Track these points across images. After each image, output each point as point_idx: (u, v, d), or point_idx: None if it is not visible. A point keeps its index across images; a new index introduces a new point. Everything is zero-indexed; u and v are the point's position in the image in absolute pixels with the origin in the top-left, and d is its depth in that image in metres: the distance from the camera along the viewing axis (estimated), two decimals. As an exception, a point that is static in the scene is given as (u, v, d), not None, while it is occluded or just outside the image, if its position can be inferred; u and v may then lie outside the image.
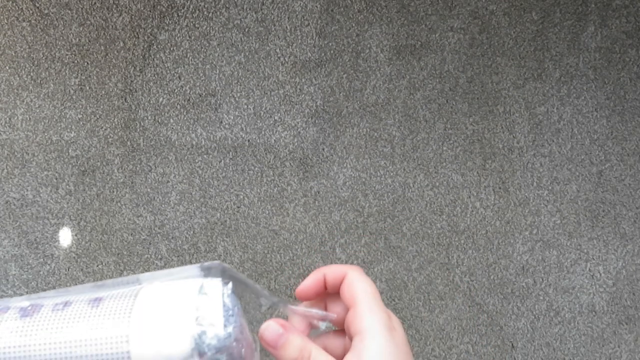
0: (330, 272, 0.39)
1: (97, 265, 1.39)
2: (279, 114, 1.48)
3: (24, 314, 0.32)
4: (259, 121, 1.48)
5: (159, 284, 0.32)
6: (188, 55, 1.49)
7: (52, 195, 1.42)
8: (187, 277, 0.33)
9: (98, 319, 0.30)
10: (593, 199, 1.49)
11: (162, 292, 0.31)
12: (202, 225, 1.42)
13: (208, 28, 1.50)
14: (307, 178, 1.46)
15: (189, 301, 0.29)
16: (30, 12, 1.48)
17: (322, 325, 0.38)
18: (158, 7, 1.51)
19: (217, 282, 0.31)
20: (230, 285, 0.32)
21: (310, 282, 0.40)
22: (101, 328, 0.29)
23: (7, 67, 1.46)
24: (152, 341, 0.28)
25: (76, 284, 1.38)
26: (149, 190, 1.43)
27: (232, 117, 1.47)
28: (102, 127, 1.45)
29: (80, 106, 1.46)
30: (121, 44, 1.49)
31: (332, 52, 1.51)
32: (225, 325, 0.29)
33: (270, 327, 0.35)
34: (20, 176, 1.42)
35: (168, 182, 1.44)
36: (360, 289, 0.36)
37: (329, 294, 0.40)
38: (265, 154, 1.46)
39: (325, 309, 0.40)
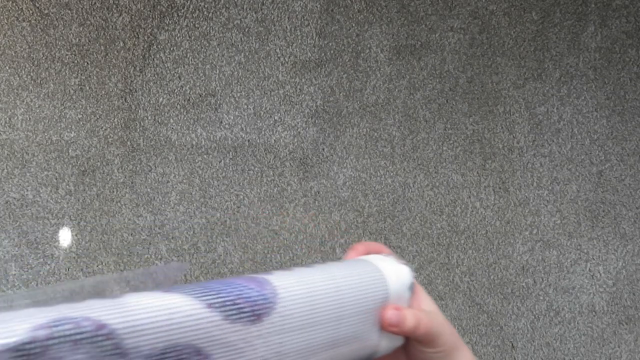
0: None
1: (97, 265, 1.39)
2: (279, 114, 1.48)
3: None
4: (259, 121, 1.48)
5: (370, 256, 0.48)
6: (188, 55, 1.49)
7: (52, 195, 1.42)
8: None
9: (355, 270, 0.45)
10: (593, 199, 1.49)
11: (380, 257, 0.48)
12: (202, 225, 1.42)
13: (208, 28, 1.50)
14: (307, 178, 1.46)
15: (396, 261, 0.47)
16: (30, 12, 1.48)
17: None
18: (158, 7, 1.51)
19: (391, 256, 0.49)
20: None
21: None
22: (362, 274, 0.45)
23: (7, 67, 1.46)
24: (396, 275, 0.46)
25: (76, 284, 1.38)
26: (149, 190, 1.43)
27: (232, 117, 1.47)
28: (102, 127, 1.45)
29: (80, 106, 1.46)
30: (121, 44, 1.49)
31: (332, 52, 1.51)
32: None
33: (390, 311, 0.46)
34: (20, 176, 1.42)
35: (168, 182, 1.44)
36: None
37: None
38: (265, 154, 1.46)
39: None
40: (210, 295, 0.36)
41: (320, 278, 0.42)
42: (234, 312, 0.36)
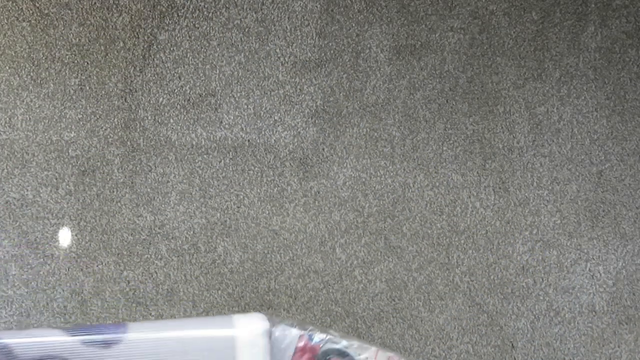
0: None
1: (97, 265, 1.39)
2: (279, 114, 1.48)
3: None
4: (259, 121, 1.48)
5: None
6: (188, 55, 1.49)
7: (52, 195, 1.42)
8: None
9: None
10: (593, 199, 1.49)
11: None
12: (202, 225, 1.42)
13: (208, 28, 1.51)
14: (307, 178, 1.46)
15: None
16: (30, 12, 1.49)
17: None
18: (158, 7, 1.51)
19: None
20: None
21: None
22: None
23: (7, 67, 1.46)
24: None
25: (76, 284, 1.38)
26: (149, 190, 1.43)
27: (232, 117, 1.47)
28: (102, 127, 1.45)
29: (80, 106, 1.46)
30: (121, 44, 1.49)
31: (332, 52, 1.51)
32: None
33: None
34: (20, 176, 1.42)
35: (168, 182, 1.44)
36: None
37: None
38: (265, 154, 1.47)
39: None
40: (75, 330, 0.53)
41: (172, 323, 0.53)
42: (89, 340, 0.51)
